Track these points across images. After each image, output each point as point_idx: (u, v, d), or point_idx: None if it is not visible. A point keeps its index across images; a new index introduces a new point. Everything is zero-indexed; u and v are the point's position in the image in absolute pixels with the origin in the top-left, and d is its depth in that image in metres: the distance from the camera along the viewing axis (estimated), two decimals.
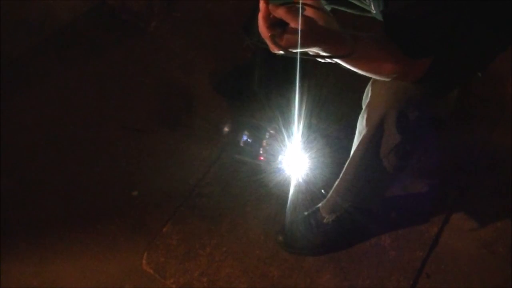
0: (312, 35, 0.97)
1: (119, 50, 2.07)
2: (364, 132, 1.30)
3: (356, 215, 1.62)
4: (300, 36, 0.96)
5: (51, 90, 1.95)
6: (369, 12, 1.24)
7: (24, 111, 1.90)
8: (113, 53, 2.06)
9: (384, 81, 1.19)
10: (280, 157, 1.74)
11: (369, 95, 1.26)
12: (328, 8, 1.44)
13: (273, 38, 0.97)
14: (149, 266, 1.60)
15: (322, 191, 1.67)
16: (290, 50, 0.99)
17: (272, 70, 1.87)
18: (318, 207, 1.61)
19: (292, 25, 0.96)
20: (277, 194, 1.74)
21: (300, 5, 0.97)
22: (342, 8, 1.43)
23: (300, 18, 0.95)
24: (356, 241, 1.66)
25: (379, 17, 1.17)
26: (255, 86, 1.94)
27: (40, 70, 2.00)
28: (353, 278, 1.61)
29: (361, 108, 1.32)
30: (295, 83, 1.97)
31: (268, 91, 1.95)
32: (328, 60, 1.08)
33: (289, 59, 1.76)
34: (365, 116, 1.29)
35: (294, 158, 1.76)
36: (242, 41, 1.83)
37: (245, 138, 1.83)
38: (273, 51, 1.00)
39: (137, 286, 1.57)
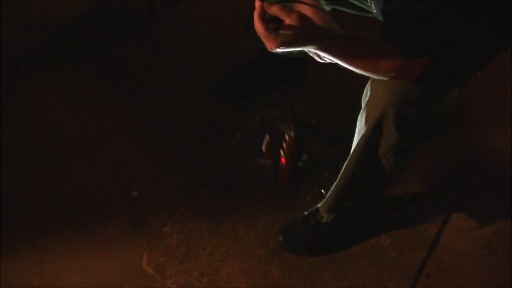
0: (306, 32, 0.97)
1: (119, 50, 2.07)
2: (363, 131, 1.30)
3: (356, 215, 1.62)
4: (295, 32, 0.96)
5: (51, 90, 1.95)
6: (370, 12, 1.24)
7: (24, 111, 1.90)
8: (113, 53, 2.06)
9: (383, 80, 1.19)
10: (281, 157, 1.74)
11: (368, 94, 1.26)
12: (328, 8, 1.44)
13: (268, 30, 0.97)
14: (149, 266, 1.60)
15: (322, 191, 1.67)
16: (285, 47, 0.99)
17: (272, 70, 1.87)
18: (318, 207, 1.61)
19: (287, 21, 0.96)
20: (277, 194, 1.74)
21: (299, 3, 0.98)
22: (342, 9, 1.43)
23: (294, 14, 0.96)
24: (356, 241, 1.66)
25: (380, 17, 1.17)
26: (255, 86, 1.94)
27: (40, 70, 2.00)
28: (353, 278, 1.60)
29: (361, 107, 1.32)
30: (295, 83, 1.98)
31: (268, 91, 1.95)
32: (326, 60, 1.08)
33: (289, 59, 1.76)
34: (364, 115, 1.29)
35: (294, 157, 1.76)
36: (242, 41, 1.83)
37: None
38: (270, 50, 1.00)
39: (137, 286, 1.57)
